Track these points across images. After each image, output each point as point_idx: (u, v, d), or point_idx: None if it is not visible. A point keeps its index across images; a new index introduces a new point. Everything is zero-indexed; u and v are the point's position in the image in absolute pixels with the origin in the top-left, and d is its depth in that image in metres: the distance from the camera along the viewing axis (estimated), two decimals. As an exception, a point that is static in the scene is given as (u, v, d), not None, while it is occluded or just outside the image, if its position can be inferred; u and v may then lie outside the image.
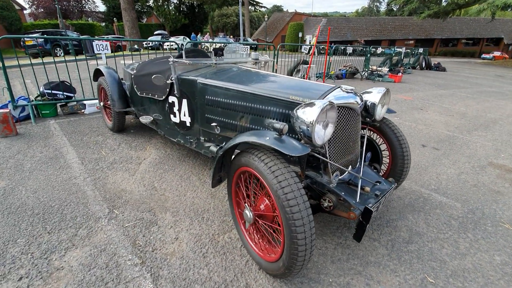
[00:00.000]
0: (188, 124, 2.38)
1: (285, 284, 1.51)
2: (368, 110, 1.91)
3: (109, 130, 3.61)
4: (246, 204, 1.53)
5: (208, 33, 28.49)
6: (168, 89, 2.41)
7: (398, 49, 12.24)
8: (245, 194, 1.64)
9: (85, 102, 4.24)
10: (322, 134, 1.41)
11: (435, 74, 12.89)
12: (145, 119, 2.81)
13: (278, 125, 1.33)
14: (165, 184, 2.43)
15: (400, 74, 9.31)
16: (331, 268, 1.64)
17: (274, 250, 1.49)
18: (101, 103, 3.55)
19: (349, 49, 9.25)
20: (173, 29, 29.81)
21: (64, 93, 4.02)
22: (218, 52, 2.64)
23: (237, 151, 1.99)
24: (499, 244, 1.93)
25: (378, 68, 9.59)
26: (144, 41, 5.30)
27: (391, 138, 2.09)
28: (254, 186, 1.56)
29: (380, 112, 1.93)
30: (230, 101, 1.98)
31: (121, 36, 22.34)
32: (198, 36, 25.69)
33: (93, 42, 3.91)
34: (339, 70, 9.59)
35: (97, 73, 3.62)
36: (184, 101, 2.33)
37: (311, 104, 1.41)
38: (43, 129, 3.58)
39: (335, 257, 1.73)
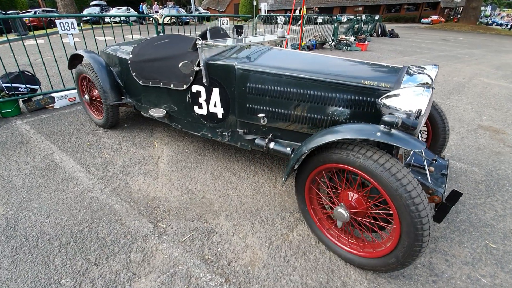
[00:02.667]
0: (220, 116, 2.12)
1: (378, 276, 1.50)
2: None
3: (98, 127, 3.10)
4: (341, 203, 1.42)
5: (156, 3, 25.65)
6: (192, 77, 2.07)
7: (358, 17, 12.49)
8: (316, 192, 1.53)
9: (53, 94, 3.54)
10: (423, 122, 1.34)
11: (391, 40, 13.57)
12: (156, 113, 2.44)
13: (391, 118, 1.21)
14: (200, 185, 2.19)
15: (366, 42, 9.58)
16: (409, 250, 1.67)
17: (373, 246, 1.44)
18: (86, 96, 2.98)
19: (320, 18, 9.13)
20: (112, -1, 26.21)
21: (27, 86, 3.28)
22: (239, 30, 2.33)
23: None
24: (525, 202, 2.15)
25: (345, 37, 9.72)
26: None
27: (432, 113, 2.12)
28: (326, 182, 1.46)
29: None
30: (282, 88, 1.77)
31: (51, 10, 18.96)
32: (144, 6, 23.02)
33: (56, 21, 3.15)
34: (309, 40, 9.50)
35: (74, 60, 3.00)
36: (215, 90, 2.04)
37: (409, 92, 1.31)
38: (12, 133, 2.92)
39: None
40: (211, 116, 2.16)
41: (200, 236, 1.71)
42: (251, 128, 2.04)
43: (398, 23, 32.55)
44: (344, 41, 9.62)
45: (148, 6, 24.08)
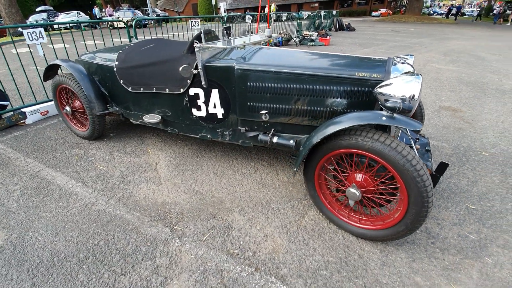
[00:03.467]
0: (220, 116, 2.17)
1: (387, 245, 1.69)
2: None
3: (82, 140, 2.96)
4: (353, 183, 1.58)
5: (109, 6, 24.24)
6: (189, 80, 2.10)
7: (318, 13, 13.04)
8: (327, 176, 1.68)
9: (24, 109, 3.29)
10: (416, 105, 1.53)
11: (348, 34, 14.37)
12: (150, 119, 2.41)
13: (393, 104, 1.38)
14: (206, 185, 2.23)
15: (328, 37, 10.07)
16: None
17: (382, 218, 1.62)
18: (67, 108, 2.82)
19: (284, 16, 9.40)
20: (58, 3, 24.11)
21: (-5, 102, 3.01)
22: (228, 31, 2.39)
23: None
24: (489, 168, 2.52)
25: (309, 33, 10.11)
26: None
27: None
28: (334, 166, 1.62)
29: None
30: (282, 85, 1.88)
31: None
32: (96, 10, 21.68)
33: (23, 30, 2.92)
34: (276, 38, 9.73)
35: (50, 71, 2.82)
36: (214, 92, 2.09)
37: (400, 80, 1.49)
38: (-16, 155, 2.68)
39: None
40: (211, 117, 2.21)
41: (219, 233, 1.77)
42: (252, 125, 2.13)
43: (351, 17, 34.39)
44: (308, 37, 10.01)
45: (102, 10, 22.70)
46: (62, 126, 3.30)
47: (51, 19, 17.76)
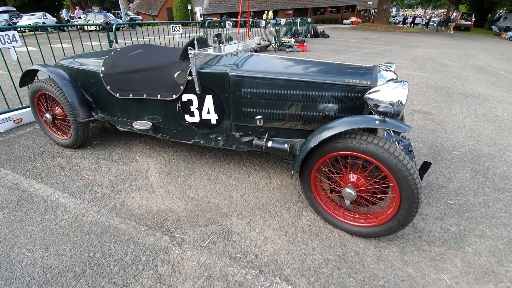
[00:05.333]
0: (214, 122, 2.19)
1: (380, 241, 1.80)
2: None
3: (64, 148, 2.81)
4: (349, 184, 1.67)
5: (77, 8, 23.13)
6: (183, 87, 2.10)
7: (295, 20, 13.43)
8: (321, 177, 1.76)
9: (-5, 117, 3.06)
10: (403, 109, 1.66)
11: (323, 41, 14.92)
12: (140, 126, 2.37)
13: (385, 109, 1.49)
14: (201, 191, 2.23)
15: (305, 43, 10.40)
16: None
17: (375, 216, 1.72)
18: (47, 116, 2.67)
19: (262, 22, 9.58)
20: (21, 4, 22.58)
21: (-38, 110, 2.77)
22: (219, 38, 2.42)
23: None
24: (460, 166, 2.75)
25: (287, 40, 10.38)
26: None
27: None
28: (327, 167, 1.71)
29: None
30: (277, 91, 1.95)
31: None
32: (64, 12, 20.60)
33: (-5, 33, 2.73)
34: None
35: (26, 76, 2.67)
36: (208, 98, 2.10)
37: (388, 87, 1.62)
38: (-48, 167, 2.46)
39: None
40: (204, 123, 2.22)
41: (220, 238, 1.78)
42: (247, 130, 2.17)
43: (324, 24, 35.67)
44: (286, 43, 10.27)
45: (69, 13, 21.62)
46: (39, 134, 3.12)
47: (13, 21, 16.60)
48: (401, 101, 1.57)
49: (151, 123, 2.36)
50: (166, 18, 32.13)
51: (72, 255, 1.62)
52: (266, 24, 10.03)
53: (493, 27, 25.98)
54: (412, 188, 1.46)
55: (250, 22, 8.95)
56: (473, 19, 26.69)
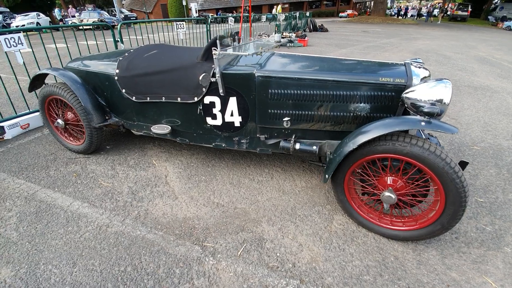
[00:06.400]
0: (237, 125, 2.11)
1: (418, 244, 1.74)
2: None
3: (77, 154, 2.72)
4: (389, 187, 1.60)
5: (70, 6, 22.64)
6: (205, 89, 2.01)
7: (294, 14, 13.27)
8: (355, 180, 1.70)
9: (2, 124, 2.95)
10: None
11: (323, 35, 14.79)
12: (159, 130, 2.28)
13: (432, 109, 1.42)
14: (225, 196, 2.16)
15: (306, 38, 10.27)
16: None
17: (415, 219, 1.67)
18: (59, 121, 2.57)
19: (263, 17, 9.43)
20: (13, 4, 21.97)
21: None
22: (236, 36, 2.33)
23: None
24: (483, 161, 2.69)
25: (288, 34, 10.23)
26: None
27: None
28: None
29: None
30: (306, 91, 1.87)
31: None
32: (56, 11, 20.17)
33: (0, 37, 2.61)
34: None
35: (36, 80, 2.56)
36: (232, 100, 2.02)
37: (429, 86, 1.54)
38: (-37, 178, 2.36)
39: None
40: (227, 125, 2.13)
41: (253, 246, 1.71)
42: (272, 132, 2.09)
43: (320, 18, 35.42)
44: (287, 38, 10.11)
45: (63, 11, 21.16)
46: (48, 140, 3.01)
47: (7, 21, 16.21)
48: (444, 101, 1.50)
49: (170, 127, 2.27)
50: (160, 14, 31.68)
51: (102, 270, 1.55)
52: (274, 18, 9.99)
53: (489, 17, 26.00)
54: (460, 191, 1.41)
55: (277, 17, 8.95)
56: (470, 9, 26.66)
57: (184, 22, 5.00)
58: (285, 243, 1.74)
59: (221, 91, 1.97)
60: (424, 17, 30.77)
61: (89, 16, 18.24)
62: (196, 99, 2.07)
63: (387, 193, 1.60)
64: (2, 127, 2.94)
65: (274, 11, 14.37)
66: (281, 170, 2.51)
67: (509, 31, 19.73)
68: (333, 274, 1.54)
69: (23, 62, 2.95)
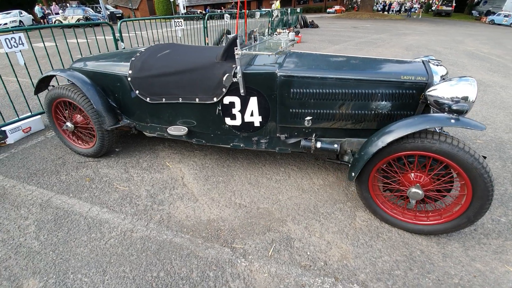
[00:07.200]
0: (257, 125, 2.10)
1: (440, 237, 1.80)
2: None
3: (86, 158, 2.65)
4: (416, 184, 1.64)
5: (54, 3, 21.77)
6: (225, 89, 1.99)
7: (286, 10, 13.25)
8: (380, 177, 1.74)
9: (3, 128, 2.83)
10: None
11: (314, 31, 14.84)
12: (175, 131, 2.25)
13: (461, 107, 1.45)
14: (246, 197, 2.15)
15: (300, 34, 10.29)
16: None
17: (440, 213, 1.71)
18: (68, 124, 2.49)
19: (257, 13, 9.37)
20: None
21: (-30, 122, 2.53)
22: (252, 35, 2.31)
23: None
24: (488, 154, 2.79)
25: (282, 31, 10.22)
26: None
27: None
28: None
29: None
30: (328, 90, 1.88)
31: None
32: (36, 8, 19.37)
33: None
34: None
35: (43, 82, 2.46)
36: (252, 100, 2.01)
37: (454, 82, 1.58)
38: (-31, 186, 2.26)
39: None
40: (247, 125, 2.12)
41: (282, 246, 1.73)
42: (292, 131, 2.10)
43: (309, 14, 35.48)
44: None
45: (43, 7, 20.34)
46: (53, 144, 2.92)
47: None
48: (469, 98, 1.54)
49: (187, 128, 2.24)
50: (147, 11, 30.96)
51: (134, 277, 1.52)
52: (268, 14, 10.00)
53: (473, 11, 26.75)
54: (488, 186, 1.46)
55: (275, 13, 8.95)
56: (454, 4, 27.33)
57: (182, 20, 4.91)
58: (313, 242, 1.76)
59: (242, 91, 1.96)
60: (406, 12, 31.69)
61: (74, 13, 17.63)
62: (215, 99, 2.05)
63: (414, 189, 1.64)
64: (4, 131, 2.82)
65: (273, 6, 14.28)
66: (297, 168, 2.52)
67: (492, 25, 20.38)
68: (365, 270, 1.57)
69: (24, 63, 2.83)
